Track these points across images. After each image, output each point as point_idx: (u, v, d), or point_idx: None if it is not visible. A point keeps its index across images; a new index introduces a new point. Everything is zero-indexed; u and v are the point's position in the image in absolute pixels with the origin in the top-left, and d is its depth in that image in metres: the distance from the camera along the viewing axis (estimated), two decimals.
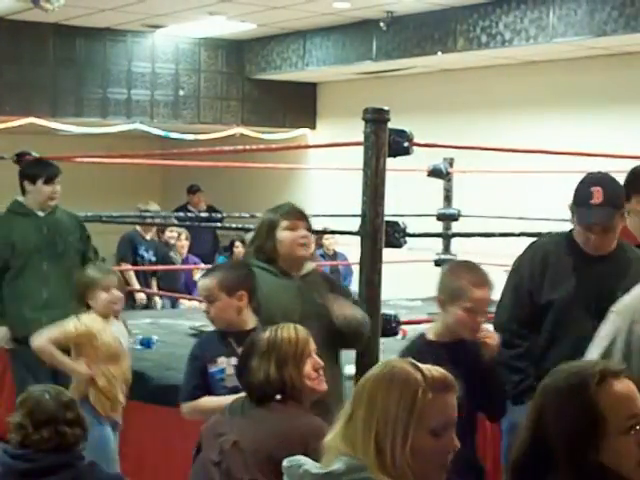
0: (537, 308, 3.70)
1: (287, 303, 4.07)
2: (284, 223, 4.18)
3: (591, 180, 3.69)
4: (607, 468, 2.17)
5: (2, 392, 6.34)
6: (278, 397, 3.07)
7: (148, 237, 10.05)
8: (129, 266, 9.69)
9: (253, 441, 2.96)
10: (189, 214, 11.06)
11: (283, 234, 4.16)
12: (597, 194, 3.61)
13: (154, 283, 10.04)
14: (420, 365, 2.21)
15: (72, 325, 4.77)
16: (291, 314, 3.96)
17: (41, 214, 5.87)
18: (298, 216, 4.24)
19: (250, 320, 3.88)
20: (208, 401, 3.74)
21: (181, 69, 12.49)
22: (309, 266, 4.26)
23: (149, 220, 9.76)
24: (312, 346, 3.19)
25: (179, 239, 10.21)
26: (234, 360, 3.58)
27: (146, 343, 6.29)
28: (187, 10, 10.50)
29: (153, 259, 9.99)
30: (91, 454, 4.41)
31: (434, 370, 2.22)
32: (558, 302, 3.66)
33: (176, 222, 10.15)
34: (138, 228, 9.93)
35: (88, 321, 4.78)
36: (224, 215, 10.06)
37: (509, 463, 2.30)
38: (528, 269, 3.75)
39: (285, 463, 2.27)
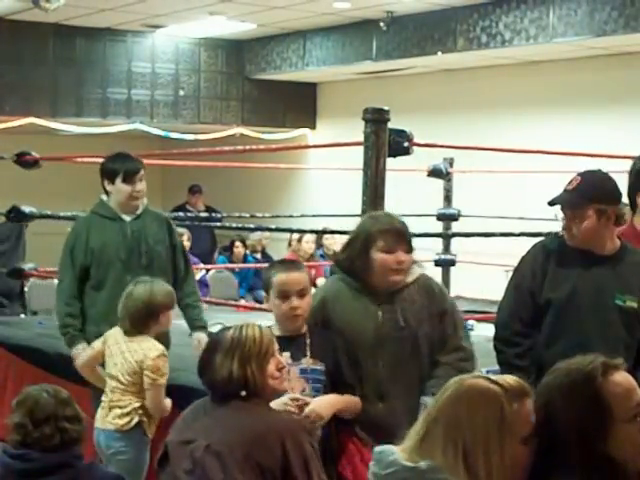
0: (538, 308, 3.71)
1: (361, 327, 3.74)
2: (380, 243, 3.72)
3: (581, 172, 3.76)
4: (613, 459, 2.24)
5: (4, 395, 6.34)
6: (243, 394, 3.05)
7: None
8: None
9: (226, 442, 2.92)
10: (188, 214, 11.06)
11: (377, 255, 3.73)
12: (574, 181, 3.69)
13: None
14: (493, 377, 2.24)
15: (157, 353, 4.49)
16: (363, 337, 3.73)
17: (127, 218, 5.10)
18: (397, 237, 3.74)
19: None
20: None
21: (181, 69, 12.49)
22: (412, 276, 3.83)
23: None
24: (276, 346, 3.18)
25: (181, 239, 10.19)
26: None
27: None
28: (187, 10, 10.51)
29: None
30: (136, 473, 4.42)
31: (508, 379, 2.24)
32: (557, 302, 3.67)
33: (175, 222, 10.14)
34: None
35: (158, 344, 4.54)
36: (224, 215, 10.06)
37: None
38: (530, 268, 3.76)
39: (377, 449, 2.30)
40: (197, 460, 2.93)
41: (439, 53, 10.52)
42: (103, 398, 4.60)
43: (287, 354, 3.54)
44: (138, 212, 5.12)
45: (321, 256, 10.73)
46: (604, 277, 3.63)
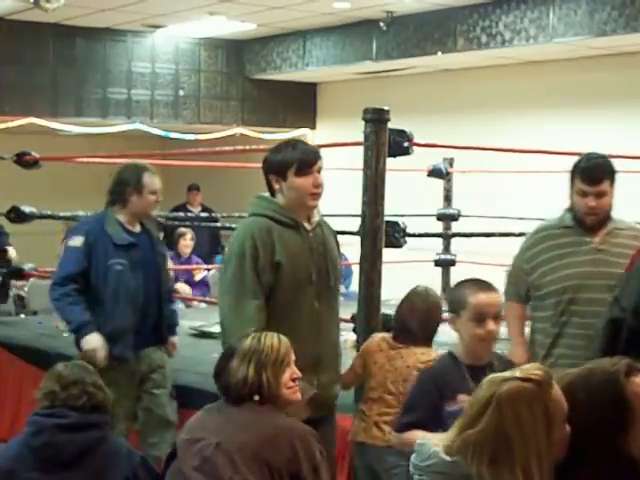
0: None
1: None
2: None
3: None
4: (632, 458, 2.30)
5: (4, 394, 6.35)
6: (256, 398, 3.08)
7: None
8: None
9: (236, 441, 2.97)
10: (188, 214, 11.06)
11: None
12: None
13: None
14: (517, 373, 2.25)
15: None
16: None
17: (307, 226, 3.99)
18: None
19: None
20: (416, 435, 3.19)
21: (181, 69, 12.49)
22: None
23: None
24: (292, 356, 3.19)
25: (184, 238, 10.21)
26: None
27: None
28: (187, 10, 10.51)
29: None
30: None
31: (533, 370, 2.25)
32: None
33: (175, 222, 10.14)
34: None
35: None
36: (224, 215, 10.06)
37: None
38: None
39: (419, 441, 2.33)
40: (207, 457, 2.96)
41: (439, 53, 10.51)
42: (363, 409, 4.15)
43: (464, 397, 3.23)
44: (315, 218, 4.05)
45: None
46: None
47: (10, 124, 11.27)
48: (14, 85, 11.26)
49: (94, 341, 4.69)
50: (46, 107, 11.57)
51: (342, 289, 10.79)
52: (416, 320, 4.14)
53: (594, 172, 4.05)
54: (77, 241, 4.85)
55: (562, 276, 3.96)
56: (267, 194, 3.99)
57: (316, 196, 3.93)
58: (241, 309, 3.73)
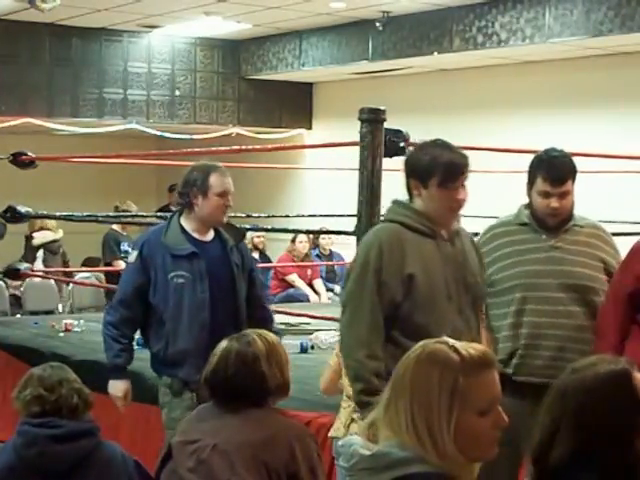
0: None
1: None
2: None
3: None
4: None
5: (2, 394, 6.34)
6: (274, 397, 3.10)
7: (125, 233, 10.05)
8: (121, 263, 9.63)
9: (234, 442, 2.95)
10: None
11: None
12: None
13: None
14: (457, 345, 2.17)
15: None
16: None
17: (445, 234, 3.61)
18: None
19: None
20: None
21: (177, 69, 12.48)
22: None
23: (147, 220, 9.74)
24: None
25: None
26: None
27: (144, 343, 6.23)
28: (183, 10, 10.50)
29: None
30: None
31: (471, 348, 2.17)
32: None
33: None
34: (116, 227, 9.93)
35: None
36: None
37: (543, 470, 2.29)
38: None
39: (340, 442, 2.29)
40: (203, 459, 2.95)
41: (435, 53, 10.52)
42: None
43: None
44: (454, 226, 3.69)
45: (317, 256, 10.73)
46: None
47: (6, 124, 11.25)
48: (10, 85, 11.25)
49: (116, 389, 4.42)
50: (42, 107, 11.56)
51: (337, 289, 10.84)
52: None
53: (558, 172, 3.87)
54: (132, 256, 4.43)
55: (514, 273, 3.87)
56: (404, 199, 3.60)
57: (457, 210, 3.59)
58: (354, 326, 3.38)
